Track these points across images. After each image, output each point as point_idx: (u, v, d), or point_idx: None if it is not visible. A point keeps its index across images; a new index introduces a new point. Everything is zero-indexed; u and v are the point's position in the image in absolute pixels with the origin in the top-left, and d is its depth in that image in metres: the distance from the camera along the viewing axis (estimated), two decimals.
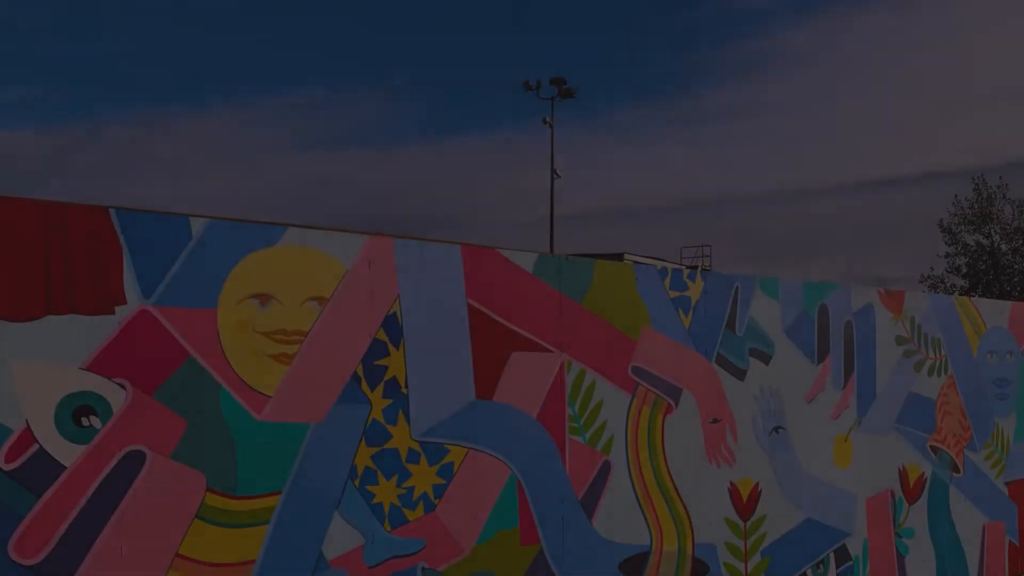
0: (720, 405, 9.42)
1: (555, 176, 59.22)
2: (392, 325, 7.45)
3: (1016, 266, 59.71)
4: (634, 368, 8.81)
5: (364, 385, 7.28)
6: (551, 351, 8.28)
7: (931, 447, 11.34)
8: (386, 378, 7.39)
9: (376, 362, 7.35)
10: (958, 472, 11.62)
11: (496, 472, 7.95)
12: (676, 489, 9.04)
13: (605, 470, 8.60)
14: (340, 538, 7.18)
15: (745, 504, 9.62)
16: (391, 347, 7.43)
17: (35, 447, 5.99)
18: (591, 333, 8.56)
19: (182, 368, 6.52)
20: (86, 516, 6.14)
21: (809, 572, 10.17)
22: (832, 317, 10.47)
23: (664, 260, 65.96)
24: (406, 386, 7.49)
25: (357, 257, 7.29)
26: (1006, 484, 12.12)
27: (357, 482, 7.25)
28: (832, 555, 10.39)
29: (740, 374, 9.59)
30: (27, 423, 5.96)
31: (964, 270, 60.37)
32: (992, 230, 59.77)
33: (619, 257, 54.60)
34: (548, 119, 60.04)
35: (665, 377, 9.01)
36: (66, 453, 6.09)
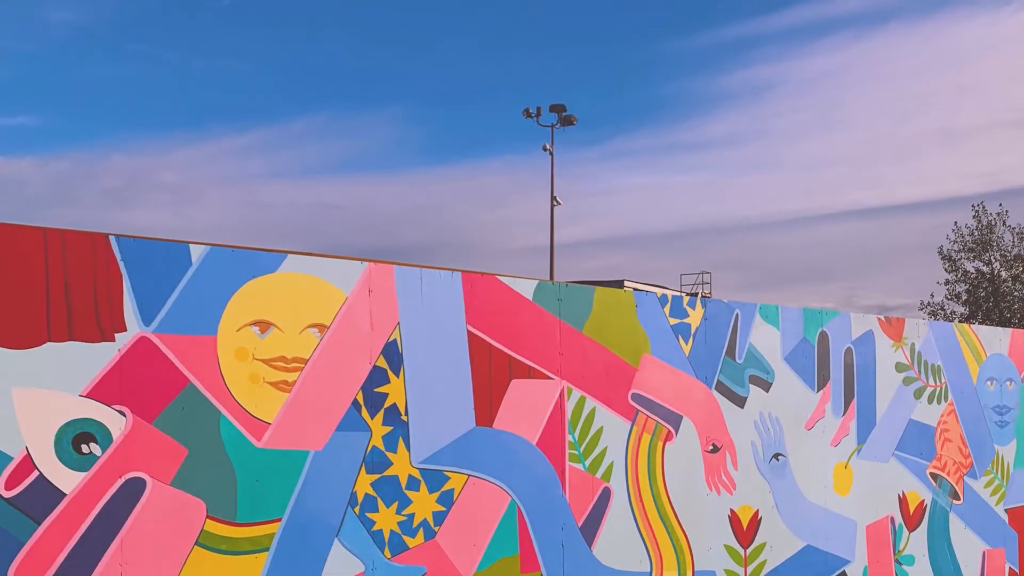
0: (720, 432, 9.42)
1: (555, 203, 59.21)
2: (392, 352, 7.46)
3: (1016, 293, 59.57)
4: (634, 395, 8.81)
5: (364, 412, 7.29)
6: (551, 378, 8.29)
7: (931, 474, 11.33)
8: (386, 405, 7.40)
9: (376, 389, 7.36)
10: (958, 499, 11.61)
11: (496, 499, 7.95)
12: (676, 516, 9.04)
13: (605, 497, 8.60)
14: (340, 565, 7.17)
15: (745, 531, 9.61)
16: (391, 374, 7.44)
17: (35, 474, 6.00)
18: (591, 360, 8.57)
19: (182, 395, 6.53)
20: (86, 543, 6.15)
21: None
22: (832, 344, 10.48)
23: (664, 287, 65.93)
24: (406, 413, 7.49)
25: (357, 284, 7.31)
26: (1006, 511, 12.11)
27: (357, 509, 7.25)
28: None
29: (740, 401, 9.59)
30: (27, 450, 5.97)
31: (964, 297, 60.23)
32: (992, 257, 59.67)
33: (619, 284, 54.60)
34: (548, 146, 60.03)
35: (665, 404, 9.02)
36: (66, 480, 6.10)
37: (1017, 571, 12.16)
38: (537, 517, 8.15)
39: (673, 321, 9.15)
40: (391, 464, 7.41)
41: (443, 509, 7.66)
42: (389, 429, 7.41)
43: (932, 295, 62.29)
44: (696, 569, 9.20)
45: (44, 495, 6.03)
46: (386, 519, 7.39)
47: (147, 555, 6.37)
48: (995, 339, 12.24)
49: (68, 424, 6.12)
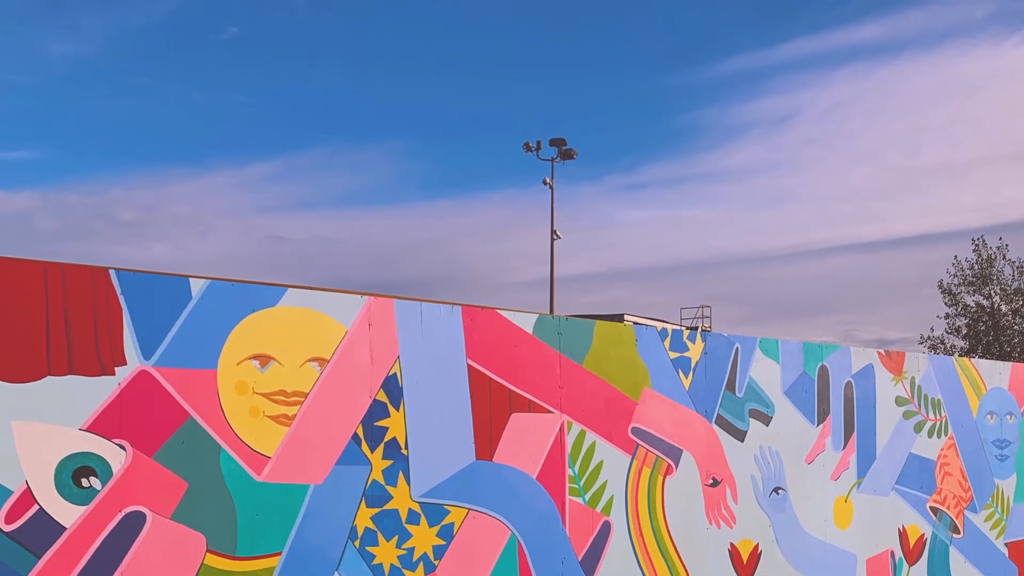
0: (720, 466, 9.41)
1: (555, 237, 59.23)
2: (392, 386, 7.46)
3: (1016, 327, 59.59)
4: (634, 429, 8.81)
5: (364, 446, 7.29)
6: (551, 412, 8.29)
7: (931, 508, 11.33)
8: (386, 439, 7.40)
9: (376, 423, 7.36)
10: (958, 533, 11.59)
11: (496, 533, 7.94)
12: (676, 550, 9.02)
13: (605, 531, 8.59)
14: None
15: (745, 565, 9.59)
16: (391, 408, 7.44)
17: (35, 508, 5.99)
18: (591, 394, 8.57)
19: (182, 429, 6.53)
20: None
21: None
22: (832, 378, 10.48)
23: (664, 321, 65.93)
24: (406, 447, 7.49)
25: (357, 318, 7.32)
26: (1006, 545, 12.09)
27: (357, 543, 7.24)
28: None
29: (740, 435, 9.59)
30: (27, 484, 5.97)
31: (964, 331, 60.26)
32: (992, 291, 59.72)
33: (619, 318, 54.61)
34: (548, 180, 60.07)
35: (665, 438, 9.02)
36: (66, 514, 6.09)
37: None
38: (537, 551, 8.14)
39: (673, 355, 9.16)
40: (391, 498, 7.41)
41: (443, 543, 7.66)
42: (389, 463, 7.41)
43: (932, 329, 62.47)
44: None
45: (44, 529, 6.02)
46: (386, 553, 7.38)
47: None
48: (995, 373, 12.25)
49: (68, 458, 6.12)
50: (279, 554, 6.89)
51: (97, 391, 6.25)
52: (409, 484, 7.50)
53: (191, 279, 6.69)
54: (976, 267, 60.03)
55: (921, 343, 61.52)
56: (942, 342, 60.87)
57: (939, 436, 11.48)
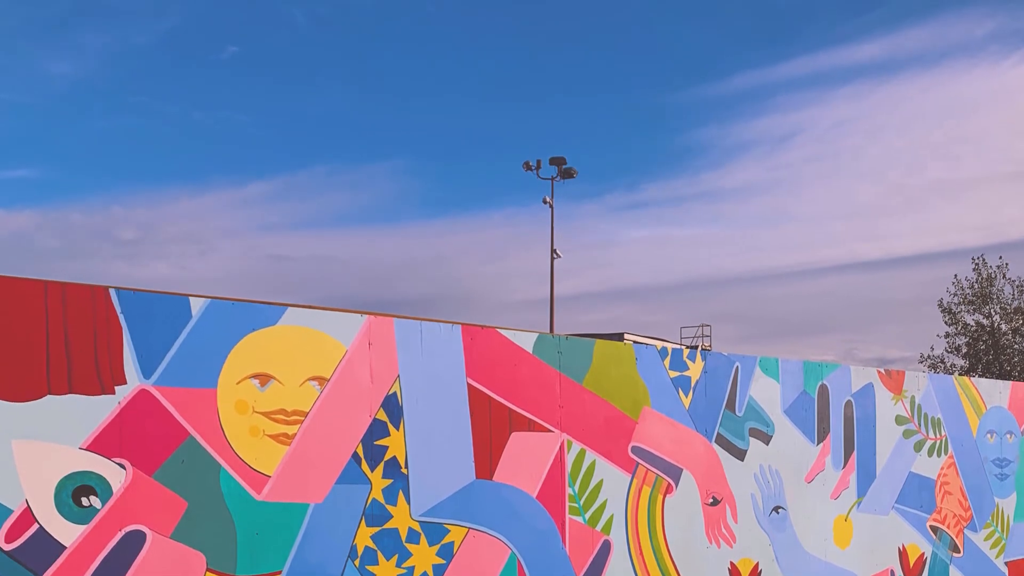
0: (720, 485, 9.41)
1: (555, 256, 59.19)
2: (392, 405, 7.46)
3: (1016, 346, 59.49)
4: (634, 448, 8.81)
5: (364, 465, 7.28)
6: (551, 431, 8.29)
7: (931, 527, 11.32)
8: (386, 458, 7.40)
9: (376, 442, 7.36)
10: (958, 552, 11.58)
11: (496, 552, 7.93)
12: (676, 569, 9.01)
13: (605, 550, 8.58)
14: None
15: None
16: (391, 427, 7.44)
17: (35, 527, 5.99)
18: (591, 413, 8.57)
19: (182, 448, 6.52)
20: None
21: None
22: (832, 397, 10.48)
23: (664, 340, 65.87)
24: (406, 466, 7.49)
25: (357, 337, 7.32)
26: (1006, 564, 12.08)
27: (357, 562, 7.23)
28: None
29: (740, 454, 9.58)
30: (27, 503, 5.96)
31: (964, 350, 60.13)
32: (992, 310, 59.63)
33: (619, 337, 54.54)
34: (548, 199, 60.06)
35: (665, 457, 9.01)
36: (66, 533, 6.09)
37: None
38: (537, 570, 8.13)
39: (673, 374, 9.16)
40: (391, 517, 7.40)
41: (443, 562, 7.65)
42: (389, 482, 7.40)
43: (932, 348, 62.27)
44: None
45: (44, 548, 6.02)
46: (386, 572, 7.37)
47: None
48: (995, 392, 12.25)
49: (68, 477, 6.12)
50: (279, 573, 6.89)
51: (97, 410, 6.25)
52: (409, 503, 7.50)
53: (191, 298, 6.69)
54: (976, 286, 59.99)
55: (921, 362, 61.45)
56: (942, 361, 60.78)
57: (939, 455, 11.48)
